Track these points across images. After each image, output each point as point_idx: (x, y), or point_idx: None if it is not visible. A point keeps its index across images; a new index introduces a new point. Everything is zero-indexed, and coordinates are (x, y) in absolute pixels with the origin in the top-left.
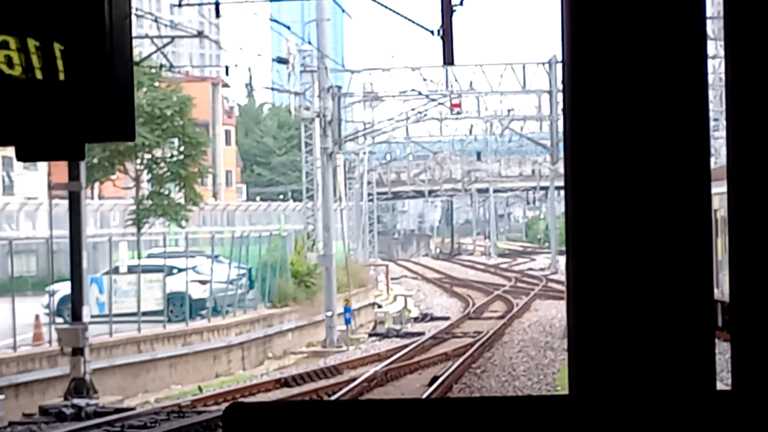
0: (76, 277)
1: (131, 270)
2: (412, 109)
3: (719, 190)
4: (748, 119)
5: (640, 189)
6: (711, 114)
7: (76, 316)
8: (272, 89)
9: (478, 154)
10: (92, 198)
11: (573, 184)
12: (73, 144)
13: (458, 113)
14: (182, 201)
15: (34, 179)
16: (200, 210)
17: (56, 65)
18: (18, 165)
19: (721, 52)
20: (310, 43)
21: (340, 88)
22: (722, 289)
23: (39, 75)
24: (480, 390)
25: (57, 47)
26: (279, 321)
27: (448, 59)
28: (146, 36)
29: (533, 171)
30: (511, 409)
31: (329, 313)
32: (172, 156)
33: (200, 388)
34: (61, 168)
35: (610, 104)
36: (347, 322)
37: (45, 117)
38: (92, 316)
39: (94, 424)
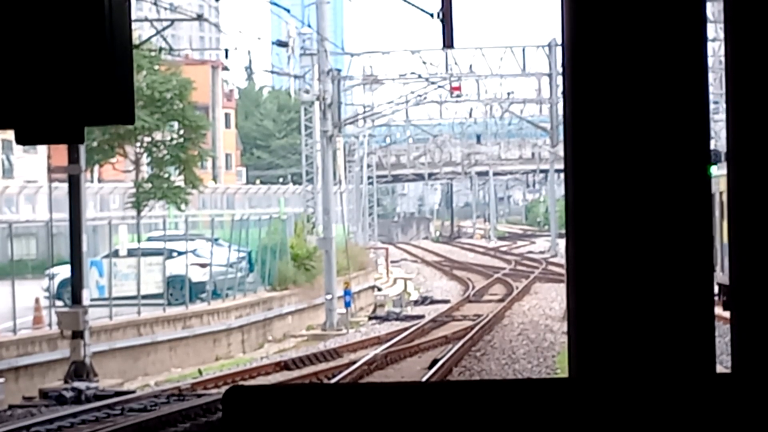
0: (75, 260)
1: (131, 253)
2: (412, 92)
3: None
4: (748, 102)
5: (640, 172)
6: (711, 97)
7: (76, 299)
8: (272, 72)
9: (478, 137)
10: (92, 181)
11: (573, 167)
12: (73, 127)
13: (458, 96)
14: (182, 184)
15: (34, 162)
16: (200, 193)
17: (56, 48)
18: (18, 148)
19: (721, 35)
20: (309, 26)
21: (339, 71)
22: None
23: (39, 58)
24: (480, 373)
25: (56, 30)
26: (279, 304)
27: (448, 42)
28: (146, 19)
29: (533, 154)
30: (511, 392)
31: (329, 296)
32: (171, 139)
33: (200, 371)
34: (61, 151)
35: (610, 87)
36: (347, 305)
37: (44, 100)
38: (92, 300)
39: (94, 407)
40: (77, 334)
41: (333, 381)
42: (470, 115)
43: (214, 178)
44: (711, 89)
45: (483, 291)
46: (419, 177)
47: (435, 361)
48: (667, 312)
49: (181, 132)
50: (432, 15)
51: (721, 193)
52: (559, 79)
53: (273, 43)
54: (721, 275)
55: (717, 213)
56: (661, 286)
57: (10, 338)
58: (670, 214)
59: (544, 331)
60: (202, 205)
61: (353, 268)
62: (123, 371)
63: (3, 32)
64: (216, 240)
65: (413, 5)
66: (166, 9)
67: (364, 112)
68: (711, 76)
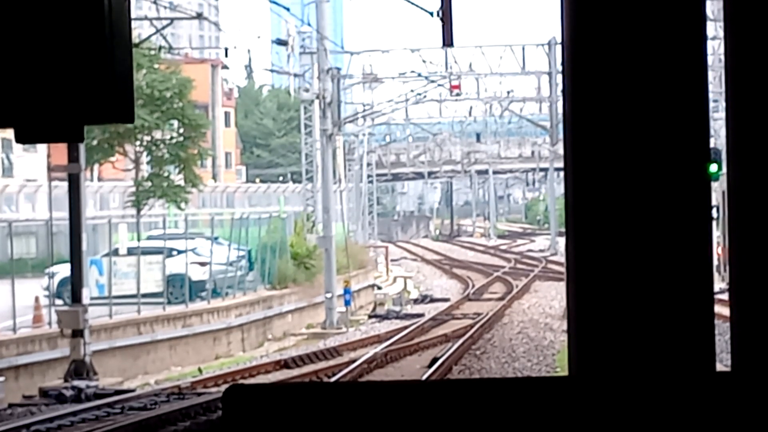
0: (75, 258)
1: (131, 252)
2: (412, 91)
3: None
4: (748, 101)
5: (640, 170)
6: (711, 95)
7: (76, 297)
8: (272, 71)
9: (478, 136)
10: (92, 180)
11: (572, 166)
12: (73, 126)
13: (458, 95)
14: (182, 183)
15: (34, 161)
16: (200, 192)
17: (55, 47)
18: (17, 147)
19: (721, 33)
20: (309, 24)
21: (339, 69)
22: None
23: (38, 57)
24: (480, 371)
25: (56, 28)
26: (279, 303)
27: (448, 41)
28: (145, 18)
29: (533, 152)
30: (511, 390)
31: (329, 295)
32: (171, 138)
33: (200, 370)
34: (61, 150)
35: (610, 86)
36: (347, 303)
37: (44, 99)
38: (92, 298)
39: (94, 406)
40: (77, 333)
41: (333, 379)
42: (470, 114)
43: (214, 177)
44: (711, 87)
45: (483, 289)
46: (419, 175)
47: (435, 360)
48: (666, 310)
49: (181, 131)
50: (432, 13)
51: None
52: (559, 78)
53: (273, 41)
54: None
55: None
56: (660, 284)
57: (10, 337)
58: (669, 213)
59: (543, 330)
60: (201, 203)
61: (353, 267)
62: (123, 370)
63: (2, 31)
64: (216, 239)
65: (413, 4)
66: (165, 8)
67: (364, 110)
68: (711, 75)
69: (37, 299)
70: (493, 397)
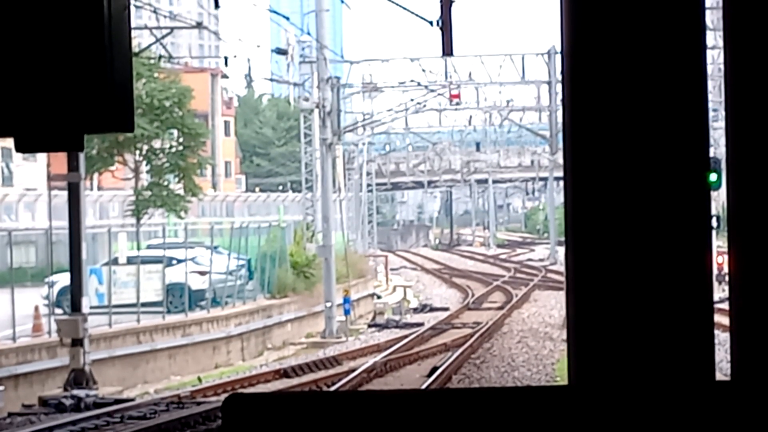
0: (75, 268)
1: (130, 261)
2: (411, 100)
3: None
4: (748, 110)
5: (639, 179)
6: (710, 105)
7: (76, 307)
8: (271, 80)
9: (477, 145)
10: (91, 189)
11: (572, 175)
12: (72, 135)
13: (457, 104)
14: (181, 192)
15: (33, 170)
16: (199, 201)
17: (55, 56)
18: (17, 156)
19: (720, 43)
20: (309, 33)
21: (339, 78)
22: None
23: (38, 66)
24: (479, 380)
25: (56, 38)
26: (278, 312)
27: (447, 50)
28: (145, 27)
29: (532, 162)
30: (511, 399)
31: (328, 304)
32: (171, 147)
33: (200, 379)
34: (60, 159)
35: (609, 95)
36: (346, 312)
37: (44, 108)
38: (91, 307)
39: (93, 415)
40: (77, 342)
41: (332, 389)
42: (469, 123)
43: (214, 186)
44: (710, 97)
45: (482, 299)
46: (418, 185)
47: (434, 369)
48: (666, 319)
49: (181, 140)
50: (431, 23)
51: None
52: (559, 87)
53: (272, 50)
54: None
55: None
56: (660, 293)
57: (10, 346)
58: (669, 222)
59: (543, 339)
60: (201, 212)
61: (352, 276)
62: (122, 379)
63: (2, 40)
64: (215, 248)
65: (413, 13)
66: (165, 17)
67: (364, 119)
68: (710, 84)
69: (36, 308)
70: (493, 406)
